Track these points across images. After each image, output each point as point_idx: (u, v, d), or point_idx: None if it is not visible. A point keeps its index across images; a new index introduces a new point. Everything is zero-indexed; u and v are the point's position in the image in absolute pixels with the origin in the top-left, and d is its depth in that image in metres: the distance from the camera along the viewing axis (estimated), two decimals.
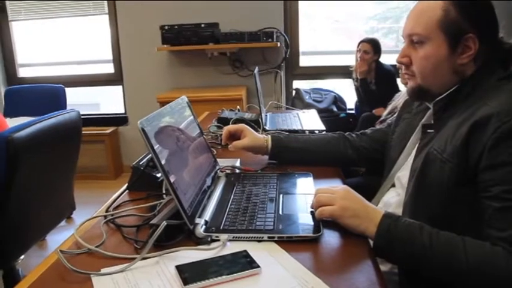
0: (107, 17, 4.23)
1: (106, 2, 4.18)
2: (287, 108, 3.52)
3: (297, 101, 3.94)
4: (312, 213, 1.05)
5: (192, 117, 1.30)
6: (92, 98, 4.81)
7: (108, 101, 4.73)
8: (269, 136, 1.47)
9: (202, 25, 3.80)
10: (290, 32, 4.09)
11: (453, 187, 0.97)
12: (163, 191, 1.21)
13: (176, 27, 3.78)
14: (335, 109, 3.97)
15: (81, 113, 2.09)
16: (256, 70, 2.29)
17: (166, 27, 3.79)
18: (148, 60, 4.11)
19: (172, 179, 0.95)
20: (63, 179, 2.08)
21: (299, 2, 4.07)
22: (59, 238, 2.71)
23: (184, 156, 1.13)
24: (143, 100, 4.09)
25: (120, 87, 4.30)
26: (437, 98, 1.09)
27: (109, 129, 4.19)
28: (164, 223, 0.89)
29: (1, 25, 4.44)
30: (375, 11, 4.34)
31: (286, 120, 2.28)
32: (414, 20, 1.08)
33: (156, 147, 0.93)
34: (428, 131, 1.11)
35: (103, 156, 4.15)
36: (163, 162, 0.94)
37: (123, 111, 4.35)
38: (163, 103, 3.57)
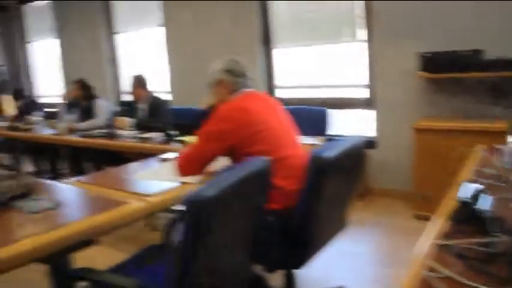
0: (361, 43, 4.45)
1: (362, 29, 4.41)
2: None
3: None
4: None
5: None
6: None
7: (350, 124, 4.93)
8: None
9: (465, 52, 3.67)
10: None
11: None
12: (493, 228, 1.22)
13: (436, 54, 3.74)
14: None
15: None
16: None
17: (425, 55, 3.78)
18: (402, 86, 4.16)
19: None
20: (346, 199, 2.26)
21: None
22: None
23: None
24: (394, 125, 4.17)
25: (372, 111, 4.45)
26: None
27: None
28: None
29: (268, 53, 5.10)
30: None
31: None
32: None
33: None
34: None
35: None
36: None
37: (372, 135, 4.48)
38: (420, 130, 3.58)
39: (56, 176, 5.35)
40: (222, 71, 2.31)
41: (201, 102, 3.35)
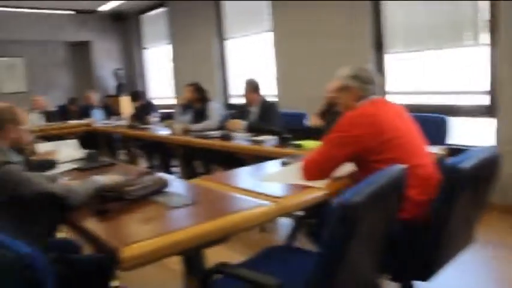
0: (482, 47, 4.20)
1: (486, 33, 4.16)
2: None
3: None
4: None
5: None
6: None
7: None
8: None
9: None
10: None
11: None
12: None
13: None
14: None
15: None
16: None
17: None
18: None
19: None
20: (477, 213, 2.15)
21: None
22: None
23: None
24: None
25: (492, 119, 4.18)
26: None
27: None
28: None
29: (379, 58, 5.02)
30: None
31: None
32: None
33: None
34: None
35: None
36: None
37: (491, 145, 4.20)
38: None
39: (168, 172, 5.69)
40: (349, 77, 2.30)
41: (311, 120, 3.38)
